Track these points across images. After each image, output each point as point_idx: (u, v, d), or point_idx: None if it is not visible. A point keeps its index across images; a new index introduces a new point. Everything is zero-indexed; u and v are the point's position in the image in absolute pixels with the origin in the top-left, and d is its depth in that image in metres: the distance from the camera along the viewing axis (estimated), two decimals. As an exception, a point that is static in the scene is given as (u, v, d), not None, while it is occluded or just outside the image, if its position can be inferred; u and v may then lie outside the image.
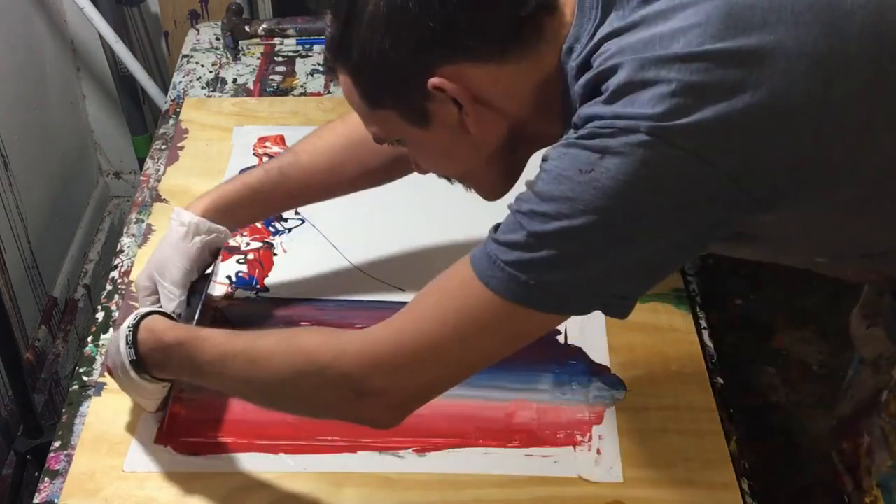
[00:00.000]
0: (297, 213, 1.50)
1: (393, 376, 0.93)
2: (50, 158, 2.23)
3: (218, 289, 1.37)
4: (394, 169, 1.26)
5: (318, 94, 1.79)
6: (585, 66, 0.89)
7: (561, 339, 1.30)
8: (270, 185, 1.24)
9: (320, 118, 1.70)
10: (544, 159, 0.87)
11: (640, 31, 0.85)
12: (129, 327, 1.09)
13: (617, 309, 0.90)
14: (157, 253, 1.23)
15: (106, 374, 1.17)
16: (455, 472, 1.14)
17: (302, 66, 1.86)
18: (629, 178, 0.81)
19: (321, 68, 1.85)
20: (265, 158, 1.60)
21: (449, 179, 1.06)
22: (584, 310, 0.89)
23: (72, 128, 2.37)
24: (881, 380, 1.18)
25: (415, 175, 1.57)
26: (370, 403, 0.95)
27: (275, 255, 1.43)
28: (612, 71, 0.84)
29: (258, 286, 1.38)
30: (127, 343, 1.08)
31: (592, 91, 0.87)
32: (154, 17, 2.29)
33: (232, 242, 1.45)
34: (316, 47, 1.91)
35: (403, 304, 1.32)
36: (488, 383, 1.23)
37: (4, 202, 1.96)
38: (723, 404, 1.23)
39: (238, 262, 1.42)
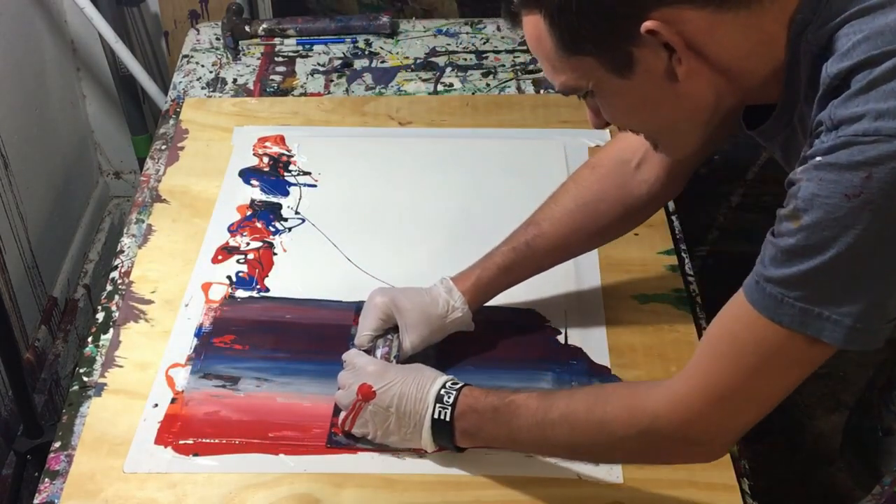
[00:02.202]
0: (297, 212, 1.50)
1: (713, 426, 0.94)
2: (50, 158, 2.23)
3: (218, 289, 1.37)
4: (627, 221, 1.27)
5: (318, 95, 1.78)
6: (826, 47, 0.85)
7: (561, 339, 1.30)
8: (521, 261, 1.26)
9: (320, 118, 1.71)
10: (791, 183, 0.84)
11: (894, 10, 0.81)
12: (447, 388, 1.10)
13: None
14: (409, 295, 1.25)
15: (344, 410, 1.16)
16: (455, 472, 1.14)
17: (302, 66, 1.86)
18: None
19: (321, 68, 1.85)
20: (265, 158, 1.60)
21: (636, 133, 1.02)
22: (877, 338, 0.85)
23: (72, 128, 2.37)
24: None
25: (414, 175, 1.58)
26: (697, 451, 0.98)
27: (275, 254, 1.43)
28: (871, 61, 0.80)
29: (258, 286, 1.38)
30: (442, 403, 1.09)
31: (842, 82, 0.82)
32: (154, 17, 2.29)
33: (232, 242, 1.45)
34: (316, 47, 1.91)
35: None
36: (489, 384, 1.23)
37: (4, 202, 1.96)
38: (723, 405, 1.22)
39: (238, 262, 1.42)
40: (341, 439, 1.17)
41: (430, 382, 1.11)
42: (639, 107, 0.95)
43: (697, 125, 0.96)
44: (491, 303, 1.34)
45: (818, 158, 0.82)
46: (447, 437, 1.11)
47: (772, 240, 0.86)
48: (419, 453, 1.15)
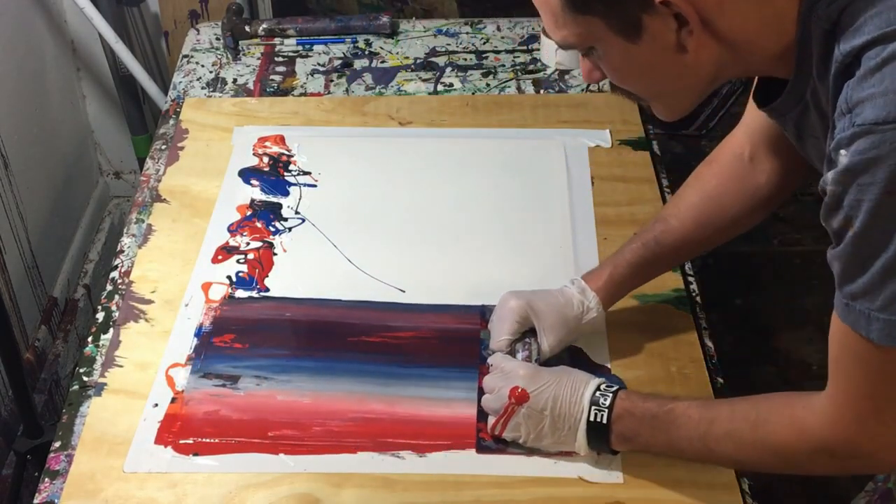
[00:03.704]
0: (297, 212, 1.50)
1: (878, 438, 0.93)
2: (50, 158, 2.23)
3: (218, 289, 1.37)
4: (757, 209, 1.25)
5: (318, 94, 1.78)
6: (837, 22, 0.84)
7: (561, 339, 1.30)
8: (651, 257, 1.25)
9: (320, 118, 1.71)
10: (824, 191, 0.84)
11: None
12: (602, 391, 1.09)
13: None
14: (543, 297, 1.24)
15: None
16: (455, 472, 1.14)
17: (302, 66, 1.86)
18: None
19: (321, 68, 1.85)
20: (265, 158, 1.60)
21: (630, 95, 1.01)
22: None
23: (72, 128, 2.38)
24: None
25: (414, 175, 1.58)
26: (871, 464, 0.99)
27: (275, 254, 1.43)
28: (883, 38, 0.80)
29: (258, 286, 1.38)
30: (598, 405, 1.09)
31: (854, 60, 0.82)
32: (154, 17, 2.29)
33: (232, 242, 1.45)
34: (316, 47, 1.91)
35: (404, 304, 1.34)
36: (488, 383, 1.23)
37: (4, 202, 1.96)
38: (723, 404, 1.22)
39: (238, 261, 1.42)
40: (491, 444, 1.16)
41: (584, 385, 1.11)
42: (640, 71, 0.95)
43: (694, 92, 0.97)
44: (490, 301, 1.34)
45: (843, 154, 0.81)
46: (603, 441, 1.10)
47: (834, 254, 0.86)
48: (423, 453, 1.15)
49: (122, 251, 1.45)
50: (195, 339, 1.30)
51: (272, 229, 1.47)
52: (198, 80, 1.83)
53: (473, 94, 1.77)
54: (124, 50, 2.13)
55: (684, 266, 1.41)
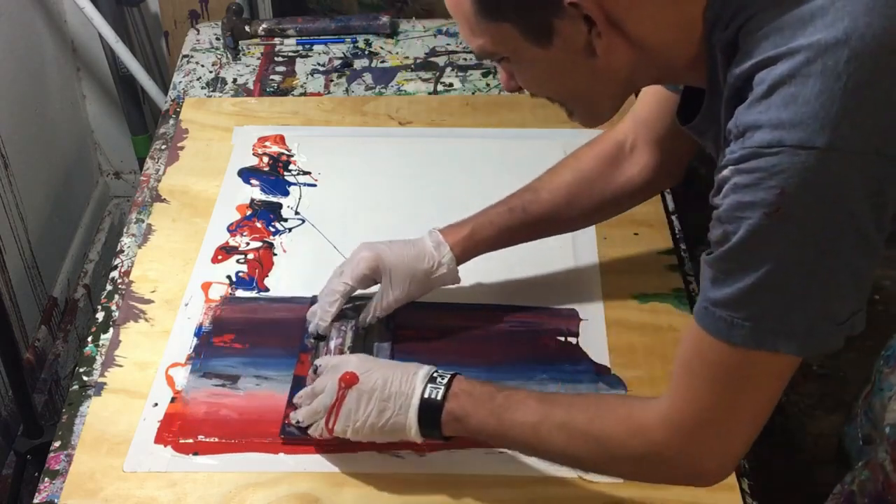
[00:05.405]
0: (297, 212, 1.50)
1: (708, 448, 0.93)
2: (50, 158, 2.23)
3: (218, 288, 1.37)
4: (623, 200, 1.28)
5: (318, 94, 1.79)
6: (733, 44, 0.85)
7: (562, 338, 1.30)
8: (516, 224, 1.27)
9: (320, 118, 1.71)
10: (713, 206, 0.85)
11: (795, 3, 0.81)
12: (439, 373, 1.07)
13: (852, 326, 0.86)
14: (395, 249, 1.24)
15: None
16: (455, 472, 1.14)
17: (302, 66, 1.86)
18: (822, 202, 0.78)
19: (321, 68, 1.85)
20: (265, 158, 1.60)
21: (551, 100, 1.02)
22: (833, 341, 0.86)
23: (72, 128, 2.38)
24: None
25: (415, 175, 1.58)
26: (696, 474, 0.97)
27: (275, 255, 1.43)
28: (770, 61, 0.80)
29: (258, 286, 1.38)
30: (435, 383, 1.06)
31: (745, 84, 0.83)
32: (154, 17, 2.29)
33: (231, 242, 1.45)
34: (316, 47, 1.91)
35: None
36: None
37: (4, 202, 1.96)
38: (723, 404, 1.22)
39: (238, 261, 1.42)
40: (293, 430, 1.15)
41: (418, 368, 1.09)
42: (553, 76, 0.95)
43: (610, 97, 0.98)
44: (491, 300, 1.34)
45: (729, 171, 0.82)
46: (435, 422, 1.06)
47: (707, 261, 0.87)
48: (423, 453, 1.15)
49: (122, 251, 1.45)
50: (195, 338, 1.30)
51: (272, 229, 1.47)
52: (198, 80, 1.83)
53: (473, 93, 1.77)
54: (124, 50, 2.14)
55: (684, 266, 1.41)
